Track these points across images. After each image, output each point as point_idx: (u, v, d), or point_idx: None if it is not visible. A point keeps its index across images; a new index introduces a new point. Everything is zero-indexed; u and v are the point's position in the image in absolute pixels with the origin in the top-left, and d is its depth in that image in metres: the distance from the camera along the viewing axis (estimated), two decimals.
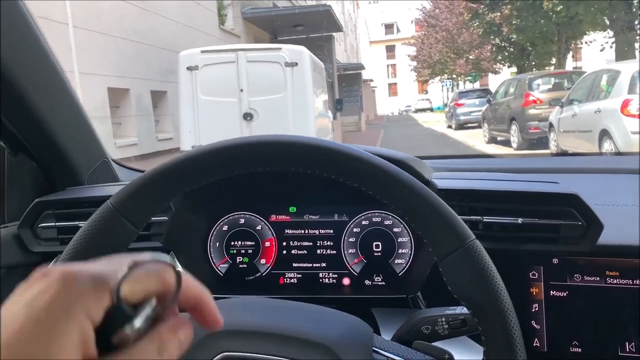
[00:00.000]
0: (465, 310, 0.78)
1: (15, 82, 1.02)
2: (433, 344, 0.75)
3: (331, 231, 1.18)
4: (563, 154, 7.99)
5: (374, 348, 0.67)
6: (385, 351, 0.68)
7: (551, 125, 9.29)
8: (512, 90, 11.76)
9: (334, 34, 17.55)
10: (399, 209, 0.65)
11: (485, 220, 0.98)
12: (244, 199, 1.19)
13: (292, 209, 1.19)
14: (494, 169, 1.32)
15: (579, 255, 0.95)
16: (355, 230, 1.17)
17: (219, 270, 1.19)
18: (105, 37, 8.29)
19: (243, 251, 1.19)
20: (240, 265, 1.19)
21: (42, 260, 1.14)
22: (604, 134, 7.34)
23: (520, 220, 0.96)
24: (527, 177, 1.08)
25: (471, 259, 0.61)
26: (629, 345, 0.92)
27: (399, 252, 1.15)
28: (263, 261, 1.19)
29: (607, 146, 7.26)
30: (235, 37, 13.65)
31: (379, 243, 1.16)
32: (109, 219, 0.67)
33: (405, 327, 0.81)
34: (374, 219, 1.16)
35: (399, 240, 1.15)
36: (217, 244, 1.19)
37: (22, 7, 1.01)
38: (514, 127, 10.96)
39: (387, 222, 1.16)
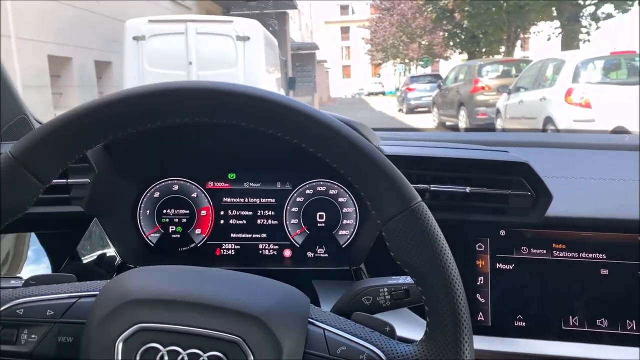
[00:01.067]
0: (408, 280, 0.73)
1: None
2: (374, 315, 0.70)
3: (273, 200, 1.11)
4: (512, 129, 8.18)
5: (309, 319, 0.61)
6: (322, 322, 0.62)
7: (498, 111, 9.47)
8: (462, 76, 11.91)
9: (288, 11, 17.29)
10: (341, 167, 0.58)
11: (432, 188, 0.93)
12: (179, 163, 1.10)
13: (231, 176, 1.11)
14: (443, 140, 1.29)
15: (527, 227, 0.92)
16: (298, 199, 1.10)
17: (149, 240, 1.10)
18: (46, 1, 7.82)
19: (176, 220, 1.11)
20: (173, 235, 1.11)
21: None
22: (548, 121, 7.54)
23: (468, 189, 0.92)
24: (476, 146, 1.05)
25: (416, 222, 0.56)
26: (572, 319, 0.90)
27: (344, 222, 1.10)
28: (198, 231, 1.11)
29: None
30: (185, 9, 13.20)
31: (323, 213, 1.10)
32: (8, 171, 0.58)
33: (345, 298, 0.76)
34: (318, 188, 1.10)
35: (343, 211, 1.10)
36: (148, 211, 1.10)
37: None
38: (462, 112, 11.12)
39: (332, 192, 1.10)
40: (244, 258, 1.10)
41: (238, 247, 1.11)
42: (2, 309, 0.61)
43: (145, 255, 1.08)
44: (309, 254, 1.10)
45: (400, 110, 18.75)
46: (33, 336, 0.61)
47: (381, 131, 1.35)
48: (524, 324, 0.91)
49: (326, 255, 1.10)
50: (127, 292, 0.58)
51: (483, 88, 10.70)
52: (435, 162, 0.94)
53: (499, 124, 9.42)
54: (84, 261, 1.03)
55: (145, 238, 1.10)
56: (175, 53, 6.94)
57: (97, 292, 0.62)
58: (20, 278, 0.97)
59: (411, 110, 17.34)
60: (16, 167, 0.57)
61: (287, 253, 1.10)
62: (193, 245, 1.10)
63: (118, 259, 1.03)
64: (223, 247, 1.11)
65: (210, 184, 1.11)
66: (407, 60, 32.98)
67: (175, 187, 1.11)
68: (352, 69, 51.45)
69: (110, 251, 1.03)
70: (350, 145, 0.57)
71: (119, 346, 0.55)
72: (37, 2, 7.50)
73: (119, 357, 0.55)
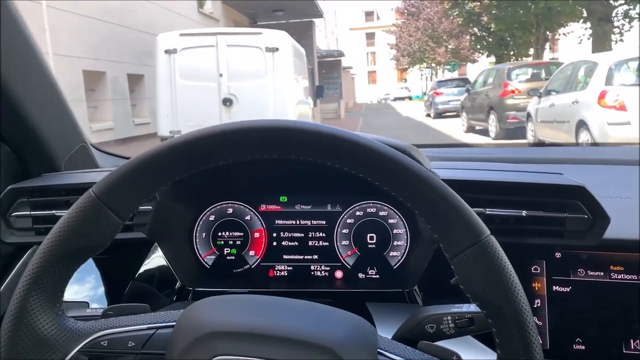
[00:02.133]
0: (472, 308, 0.74)
1: None
2: (438, 343, 0.71)
3: (324, 222, 1.13)
4: (556, 144, 8.01)
5: (378, 349, 0.62)
6: (390, 352, 0.63)
7: (529, 115, 9.34)
8: (490, 79, 11.79)
9: (314, 19, 17.40)
10: (408, 201, 0.60)
11: (487, 212, 0.94)
12: (232, 187, 1.13)
13: (283, 199, 1.14)
14: (490, 159, 1.29)
15: (583, 249, 0.92)
16: (349, 221, 1.12)
17: (205, 262, 1.13)
18: (80, 17, 8.05)
19: (231, 242, 1.13)
20: (227, 257, 1.13)
21: (15, 252, 1.07)
22: (581, 124, 7.40)
23: (524, 213, 0.92)
24: (528, 167, 1.05)
25: (487, 256, 0.57)
26: (633, 343, 0.89)
27: (394, 244, 1.11)
28: (252, 253, 1.14)
29: (584, 137, 7.33)
30: (214, 20, 13.41)
31: (374, 235, 1.11)
32: (92, 210, 0.61)
33: (407, 325, 0.77)
34: (368, 210, 1.12)
35: (394, 232, 1.11)
36: (204, 234, 1.14)
37: None
38: (492, 117, 11.00)
39: (382, 213, 1.11)
40: (296, 279, 1.12)
41: (290, 268, 1.13)
42: (87, 340, 0.64)
43: (201, 277, 1.11)
44: (360, 275, 1.11)
45: (428, 115, 18.62)
46: None
47: (424, 148, 1.36)
48: (583, 347, 0.91)
49: (377, 276, 1.11)
50: (204, 324, 0.60)
51: (513, 92, 10.58)
52: (490, 186, 0.95)
53: (529, 127, 9.29)
54: (145, 285, 1.06)
55: (202, 260, 1.13)
56: (206, 65, 7.05)
57: (174, 323, 0.64)
58: (86, 303, 1.01)
59: (439, 115, 17.21)
60: (98, 206, 0.60)
61: (339, 274, 1.12)
62: (247, 266, 1.13)
63: (178, 282, 1.06)
64: (276, 269, 1.13)
65: (263, 207, 1.14)
66: (433, 65, 32.79)
67: (230, 211, 1.14)
68: (378, 75, 51.36)
69: (170, 275, 1.06)
70: (416, 178, 0.59)
71: None
72: (72, 18, 7.72)
73: None
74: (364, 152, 0.60)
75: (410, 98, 38.35)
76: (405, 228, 1.11)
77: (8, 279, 1.03)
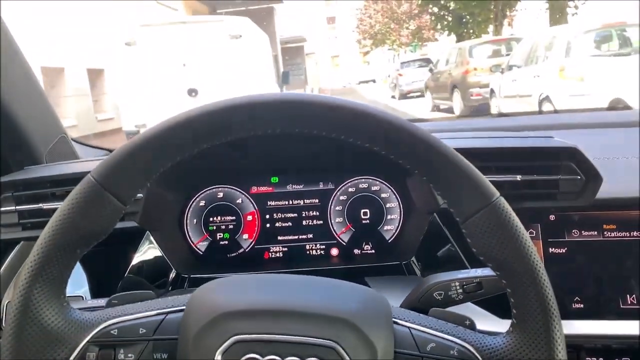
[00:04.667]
0: (479, 272, 0.74)
1: None
2: (448, 309, 0.71)
3: (317, 200, 1.12)
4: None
5: (393, 319, 0.62)
6: (406, 321, 0.63)
7: (492, 91, 9.49)
8: (452, 58, 11.92)
9: (274, 5, 17.22)
10: (415, 167, 0.59)
11: None
12: (222, 171, 1.11)
13: (274, 179, 1.12)
14: (477, 129, 1.30)
15: (576, 211, 0.94)
16: (341, 198, 1.12)
17: (197, 248, 1.11)
18: (36, 12, 7.76)
19: (223, 227, 1.12)
20: (221, 242, 1.12)
21: (0, 249, 1.03)
22: (543, 97, 7.55)
23: (518, 178, 0.93)
24: (519, 134, 1.06)
25: (499, 217, 0.57)
26: (630, 298, 0.92)
27: (388, 218, 1.11)
28: (245, 236, 1.12)
29: (547, 109, 7.48)
30: (172, 10, 13.13)
31: (367, 210, 1.11)
32: (92, 195, 0.58)
33: (414, 294, 0.77)
34: (361, 186, 1.11)
35: (387, 206, 1.11)
36: (195, 220, 1.11)
37: None
38: (456, 95, 11.14)
39: (374, 188, 1.11)
40: (292, 260, 1.11)
41: (285, 249, 1.12)
42: (97, 330, 0.62)
43: (194, 264, 1.09)
44: (356, 251, 1.11)
45: (393, 96, 18.72)
46: (130, 355, 0.62)
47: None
48: (581, 305, 0.93)
49: (373, 251, 1.11)
50: (217, 305, 0.59)
51: (475, 69, 10.71)
52: (483, 153, 0.95)
53: (493, 103, 9.44)
54: (138, 278, 1.04)
55: (194, 247, 1.11)
56: (168, 56, 6.91)
57: (184, 307, 0.63)
58: (82, 297, 0.98)
59: (404, 96, 17.32)
60: (99, 190, 0.58)
61: (334, 252, 1.12)
62: (241, 250, 1.12)
63: (173, 271, 1.04)
64: (271, 250, 1.12)
65: (255, 189, 1.12)
66: (395, 47, 32.88)
67: (220, 195, 1.12)
68: (341, 59, 51.25)
69: (164, 265, 1.04)
70: (425, 145, 0.58)
71: (218, 359, 0.56)
72: (27, 13, 7.44)
73: None
74: (369, 121, 0.59)
75: (374, 81, 38.43)
76: (398, 201, 1.11)
77: None
